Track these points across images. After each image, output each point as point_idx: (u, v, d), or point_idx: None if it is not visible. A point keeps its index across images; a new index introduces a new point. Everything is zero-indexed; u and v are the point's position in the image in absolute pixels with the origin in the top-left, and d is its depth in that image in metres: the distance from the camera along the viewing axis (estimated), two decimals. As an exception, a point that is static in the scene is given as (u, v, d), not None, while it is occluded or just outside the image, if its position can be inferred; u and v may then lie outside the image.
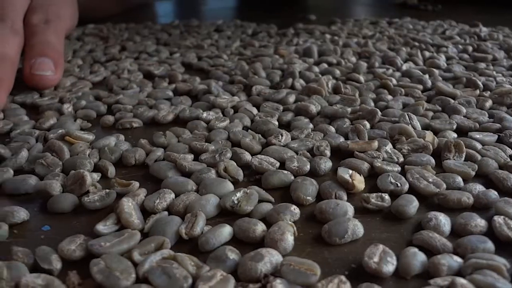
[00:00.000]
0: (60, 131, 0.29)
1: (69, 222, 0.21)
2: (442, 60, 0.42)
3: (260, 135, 0.28)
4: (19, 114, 0.33)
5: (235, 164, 0.25)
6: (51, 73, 0.35)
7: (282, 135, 0.27)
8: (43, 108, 0.34)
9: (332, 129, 0.29)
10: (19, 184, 0.23)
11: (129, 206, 0.20)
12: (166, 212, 0.21)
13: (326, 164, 0.24)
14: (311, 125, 0.30)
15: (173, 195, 0.22)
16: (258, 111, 0.32)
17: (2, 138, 0.30)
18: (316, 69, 0.40)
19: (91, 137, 0.29)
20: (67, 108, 0.34)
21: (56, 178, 0.24)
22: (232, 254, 0.17)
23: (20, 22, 0.38)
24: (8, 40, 0.34)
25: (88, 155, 0.26)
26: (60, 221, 0.21)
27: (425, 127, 0.29)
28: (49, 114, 0.32)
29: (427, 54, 0.44)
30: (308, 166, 0.24)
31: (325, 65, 0.41)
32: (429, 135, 0.26)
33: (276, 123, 0.30)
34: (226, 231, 0.19)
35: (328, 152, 0.26)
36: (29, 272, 0.17)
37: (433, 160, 0.24)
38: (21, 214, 0.21)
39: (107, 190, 0.23)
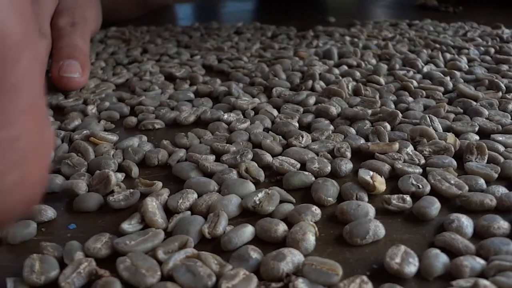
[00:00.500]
0: (85, 132, 0.30)
1: (94, 221, 0.22)
2: (463, 62, 0.41)
3: (280, 136, 0.29)
4: (45, 115, 0.34)
5: (256, 165, 0.25)
6: (79, 75, 0.36)
7: (302, 137, 0.28)
8: (68, 109, 0.35)
9: (353, 130, 0.29)
10: (46, 183, 0.24)
11: (153, 205, 0.21)
12: (189, 212, 0.21)
13: (347, 165, 0.25)
14: (331, 127, 0.30)
15: (195, 195, 0.22)
16: (279, 112, 0.33)
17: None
18: (336, 71, 0.40)
19: (114, 138, 0.29)
20: (91, 109, 0.34)
21: (82, 177, 0.24)
22: (255, 254, 0.18)
23: (48, 26, 0.38)
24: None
25: (112, 156, 0.27)
26: (86, 220, 0.22)
27: (447, 129, 0.28)
28: (73, 115, 0.33)
29: (448, 56, 0.44)
30: (329, 167, 0.24)
31: (345, 67, 0.42)
32: (450, 137, 0.26)
33: (297, 124, 0.30)
34: (248, 230, 0.19)
35: (348, 154, 0.26)
36: (58, 266, 0.18)
37: (455, 162, 0.24)
38: (49, 213, 0.22)
39: (131, 190, 0.23)
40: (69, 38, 0.38)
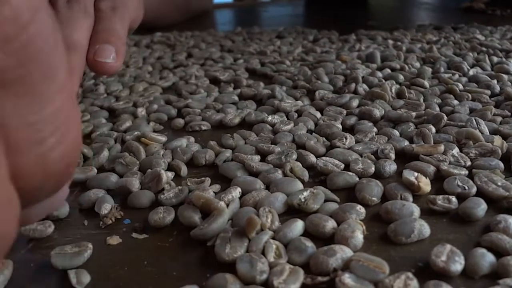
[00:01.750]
0: (136, 133, 0.31)
1: (147, 216, 0.23)
2: (511, 66, 0.40)
3: (324, 138, 0.29)
4: (98, 117, 0.36)
5: (300, 165, 0.25)
6: (112, 61, 0.35)
7: (346, 138, 0.28)
8: (119, 111, 0.36)
9: (396, 133, 0.29)
10: (102, 181, 0.25)
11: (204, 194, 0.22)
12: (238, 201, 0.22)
13: (390, 166, 0.25)
14: (375, 129, 0.30)
15: (239, 190, 0.23)
16: (322, 115, 0.33)
17: (84, 139, 0.32)
18: (379, 74, 0.41)
19: (164, 138, 0.30)
20: (141, 111, 0.36)
21: (135, 176, 0.26)
22: (309, 243, 0.18)
23: (92, 5, 0.38)
24: (82, 25, 0.34)
25: (162, 155, 0.28)
26: (139, 215, 0.23)
27: (494, 132, 0.28)
28: (125, 117, 0.35)
29: (495, 59, 0.43)
30: (373, 168, 0.25)
31: (388, 70, 0.42)
32: (497, 139, 0.26)
33: (340, 126, 0.31)
34: (299, 225, 0.20)
35: (392, 155, 0.26)
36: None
37: (502, 164, 0.24)
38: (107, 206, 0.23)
39: (180, 187, 0.24)
40: (108, 22, 0.38)
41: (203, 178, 0.25)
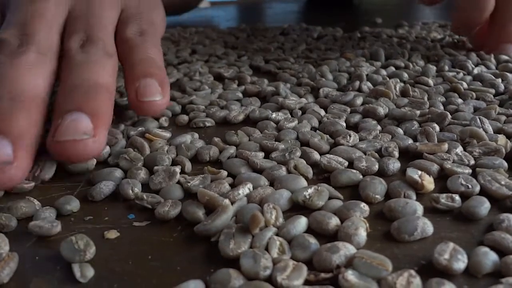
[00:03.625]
0: (140, 129, 0.31)
1: (151, 211, 0.23)
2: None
3: (328, 135, 0.29)
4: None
5: (304, 162, 0.25)
6: (160, 97, 0.30)
7: (350, 136, 0.28)
8: (123, 107, 0.37)
9: (400, 131, 0.29)
10: (107, 176, 0.26)
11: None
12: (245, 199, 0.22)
13: (394, 164, 0.25)
14: (379, 127, 0.30)
15: (249, 185, 0.23)
16: (326, 112, 0.33)
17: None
18: (384, 72, 0.41)
19: (168, 134, 0.31)
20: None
21: (139, 171, 0.26)
22: (313, 240, 0.19)
23: (112, 42, 0.32)
24: (103, 66, 0.29)
25: (166, 151, 0.28)
26: (143, 211, 0.23)
27: (498, 131, 0.28)
28: (130, 113, 0.35)
29: (500, 58, 0.43)
30: (377, 166, 0.25)
31: (392, 68, 0.42)
32: (501, 138, 0.26)
33: (344, 124, 0.31)
34: (303, 221, 0.20)
35: (396, 153, 0.26)
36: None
37: (505, 164, 0.24)
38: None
39: (202, 175, 0.25)
40: (141, 51, 0.32)
41: (220, 170, 0.25)
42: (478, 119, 0.28)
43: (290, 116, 0.33)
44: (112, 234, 0.21)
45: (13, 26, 0.28)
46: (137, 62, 0.31)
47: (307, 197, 0.22)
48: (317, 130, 0.30)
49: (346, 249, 0.18)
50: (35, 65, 0.27)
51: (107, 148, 0.28)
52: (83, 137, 0.24)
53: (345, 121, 0.31)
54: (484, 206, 0.20)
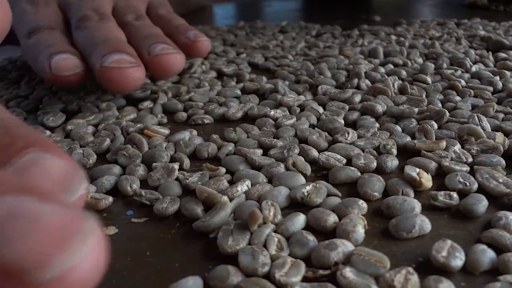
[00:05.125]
0: (139, 125, 0.31)
1: (150, 208, 0.23)
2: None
3: (326, 133, 0.29)
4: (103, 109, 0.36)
5: (303, 159, 0.26)
6: (206, 38, 0.40)
7: (348, 133, 0.28)
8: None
9: (399, 128, 0.29)
10: (106, 172, 0.26)
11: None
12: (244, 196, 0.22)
13: (392, 162, 0.25)
14: (377, 125, 0.30)
15: (248, 182, 0.23)
16: (324, 110, 0.33)
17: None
18: (382, 69, 0.41)
19: (166, 131, 0.31)
20: (146, 104, 0.36)
21: (138, 168, 0.26)
22: (311, 237, 0.19)
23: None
24: (153, 27, 0.39)
25: (165, 148, 0.28)
26: (142, 207, 0.23)
27: (496, 129, 0.28)
28: (129, 110, 0.35)
29: (498, 55, 0.43)
30: (375, 163, 0.25)
31: (391, 66, 0.42)
32: (499, 136, 0.26)
33: (342, 121, 0.31)
34: (301, 218, 0.20)
35: (394, 151, 0.26)
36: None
37: (503, 161, 0.24)
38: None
39: (201, 172, 0.25)
40: (174, 20, 0.43)
41: (219, 167, 0.25)
42: (476, 117, 0.28)
43: (288, 114, 0.33)
44: (111, 230, 0.21)
45: (88, 9, 0.39)
46: (177, 25, 0.42)
47: (306, 194, 0.22)
48: (316, 128, 0.30)
49: (344, 246, 0.18)
50: (113, 27, 0.37)
51: (107, 142, 0.29)
52: (128, 65, 0.31)
53: (344, 119, 0.31)
54: (482, 204, 0.20)
